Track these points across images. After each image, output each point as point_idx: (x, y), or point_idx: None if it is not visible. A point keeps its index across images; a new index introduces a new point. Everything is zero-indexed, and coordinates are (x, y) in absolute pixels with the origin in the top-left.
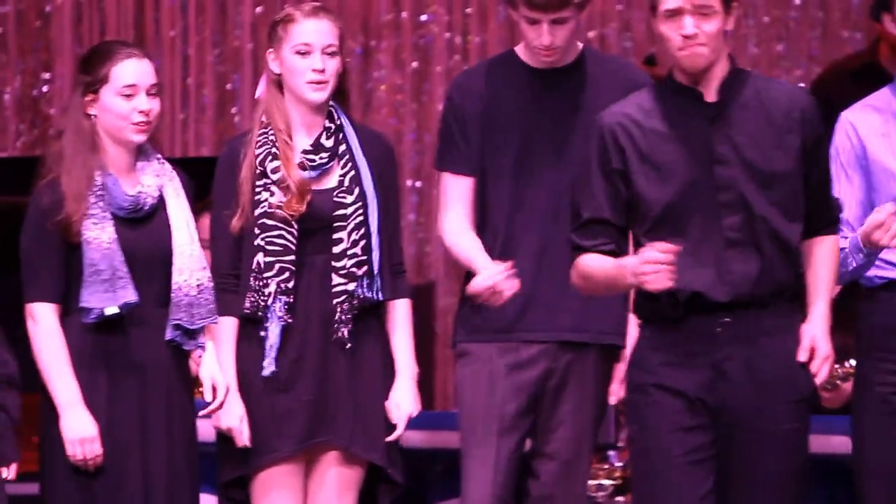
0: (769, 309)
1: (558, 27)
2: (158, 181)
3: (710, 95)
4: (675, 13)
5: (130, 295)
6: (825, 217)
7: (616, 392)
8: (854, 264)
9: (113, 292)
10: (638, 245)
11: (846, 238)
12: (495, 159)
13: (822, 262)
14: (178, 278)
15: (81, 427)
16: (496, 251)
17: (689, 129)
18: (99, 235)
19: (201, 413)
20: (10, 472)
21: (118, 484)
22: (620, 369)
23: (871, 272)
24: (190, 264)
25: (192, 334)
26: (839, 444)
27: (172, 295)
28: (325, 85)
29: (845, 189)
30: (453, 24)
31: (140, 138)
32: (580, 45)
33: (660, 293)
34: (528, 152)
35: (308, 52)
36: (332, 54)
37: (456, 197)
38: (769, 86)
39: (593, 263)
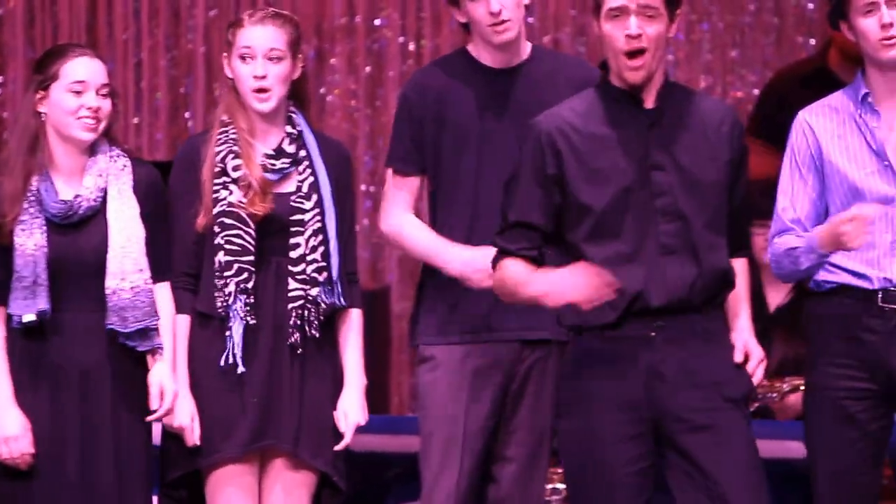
0: (704, 313)
1: None
2: (101, 182)
3: (649, 102)
4: (619, 13)
5: (43, 303)
6: (742, 238)
7: None
8: (806, 265)
9: (32, 299)
10: (577, 251)
11: (801, 237)
12: (453, 158)
13: (743, 284)
14: (110, 282)
15: (6, 425)
16: None
17: (628, 135)
18: (25, 242)
19: (148, 418)
20: None
21: (55, 484)
22: None
23: (821, 276)
24: (125, 267)
25: (140, 336)
26: (793, 449)
27: (106, 299)
28: (268, 94)
29: (798, 188)
30: (407, 29)
31: (88, 136)
32: (530, 44)
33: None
34: (486, 151)
35: (250, 56)
36: (276, 59)
37: (404, 197)
38: (699, 98)
39: (510, 270)
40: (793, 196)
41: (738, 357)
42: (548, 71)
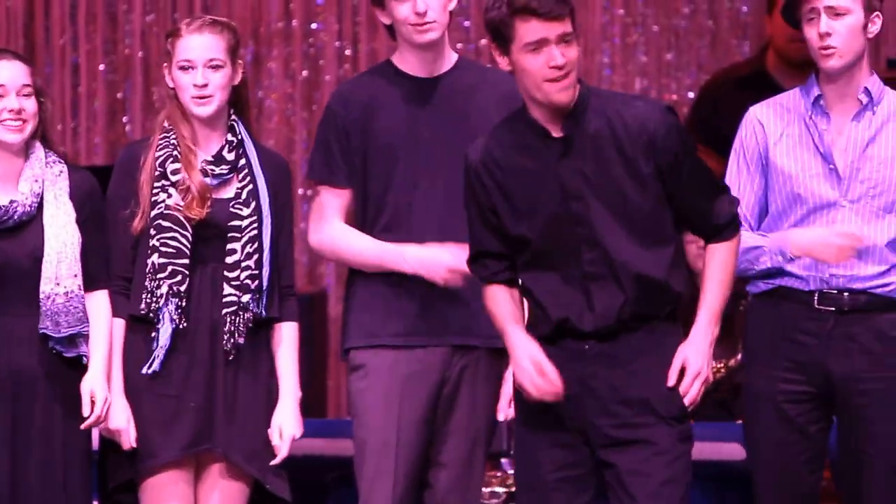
0: (639, 331)
1: None
2: (37, 187)
3: (556, 131)
4: (539, 45)
5: None
6: (709, 228)
7: (504, 409)
8: (766, 266)
9: None
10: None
11: (764, 237)
12: (380, 168)
13: (709, 273)
14: (45, 287)
15: None
16: None
17: (543, 166)
18: None
19: (82, 426)
20: None
21: None
22: (509, 376)
23: (758, 279)
24: (59, 272)
25: (69, 342)
26: (730, 451)
27: (40, 303)
28: (209, 99)
29: (745, 185)
30: (344, 33)
31: (13, 138)
32: (455, 55)
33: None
34: (413, 160)
35: (190, 67)
36: (216, 68)
37: (334, 209)
38: (623, 110)
39: (493, 306)
40: (739, 192)
41: (671, 376)
42: (472, 82)
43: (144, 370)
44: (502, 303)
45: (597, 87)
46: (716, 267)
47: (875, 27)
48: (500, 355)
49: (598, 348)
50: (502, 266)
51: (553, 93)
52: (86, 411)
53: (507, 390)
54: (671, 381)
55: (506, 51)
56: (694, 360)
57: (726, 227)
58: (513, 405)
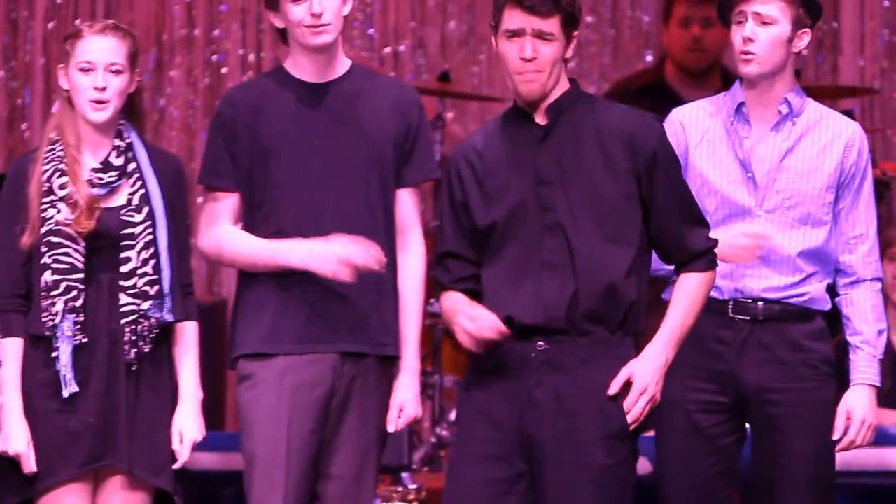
0: (589, 337)
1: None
2: None
3: (541, 118)
4: (515, 34)
5: None
6: (682, 252)
7: (394, 420)
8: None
9: None
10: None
11: None
12: (269, 173)
13: (676, 300)
14: None
15: None
16: None
17: (520, 152)
18: None
19: None
20: None
21: None
22: (400, 383)
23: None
24: None
25: None
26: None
27: None
28: (106, 104)
29: None
30: (247, 41)
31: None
32: (349, 61)
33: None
34: (302, 165)
35: (91, 69)
36: (116, 72)
37: (223, 213)
38: (609, 110)
39: (447, 306)
40: None
41: (613, 386)
42: (363, 88)
43: (65, 393)
44: (459, 299)
45: (589, 93)
46: (684, 294)
47: (802, 43)
48: (390, 364)
49: (544, 355)
50: (466, 273)
51: (519, 83)
52: None
53: (396, 400)
54: (612, 391)
55: (495, 33)
56: (642, 376)
57: (701, 257)
58: (403, 415)
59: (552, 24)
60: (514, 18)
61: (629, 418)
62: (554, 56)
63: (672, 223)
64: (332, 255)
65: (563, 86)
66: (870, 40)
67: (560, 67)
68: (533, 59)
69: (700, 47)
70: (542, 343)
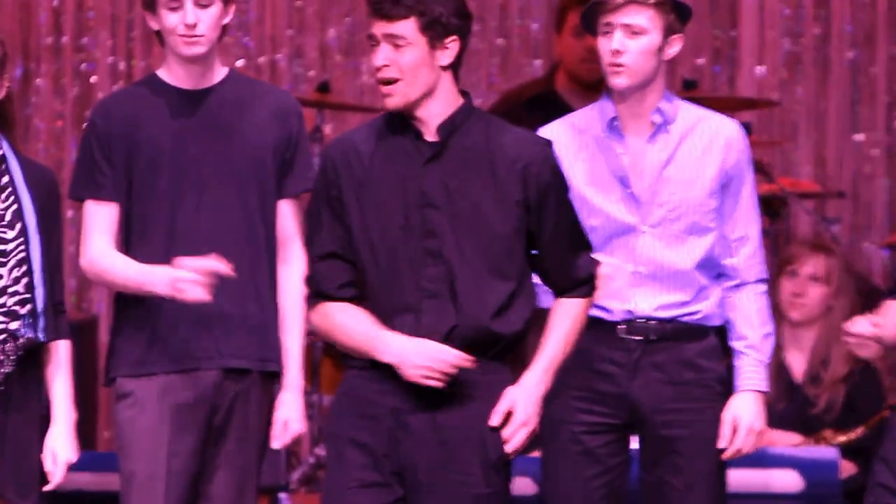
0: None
1: (202, 10)
2: None
3: (430, 135)
4: (372, 41)
5: None
6: (566, 278)
7: (278, 436)
8: None
9: None
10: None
11: None
12: (146, 182)
13: (554, 324)
14: None
15: None
16: None
17: (405, 169)
18: None
19: None
20: None
21: None
22: (284, 400)
23: None
24: None
25: None
26: (521, 485)
27: None
28: None
29: None
30: (117, 48)
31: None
32: (226, 68)
33: None
34: (180, 174)
35: None
36: None
37: (101, 224)
38: (502, 134)
39: (341, 323)
40: None
41: (495, 417)
42: (241, 95)
43: None
44: (358, 315)
45: (482, 109)
46: (563, 319)
47: (673, 49)
48: (272, 380)
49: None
50: (348, 277)
51: (382, 94)
52: None
53: (281, 416)
54: (494, 421)
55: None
56: (522, 407)
57: (583, 284)
58: (288, 432)
59: (404, 28)
60: (371, 24)
61: (508, 448)
62: (411, 63)
63: (558, 252)
64: (187, 279)
65: (455, 100)
66: (769, 50)
67: (433, 76)
68: (385, 66)
69: (594, 58)
70: None
